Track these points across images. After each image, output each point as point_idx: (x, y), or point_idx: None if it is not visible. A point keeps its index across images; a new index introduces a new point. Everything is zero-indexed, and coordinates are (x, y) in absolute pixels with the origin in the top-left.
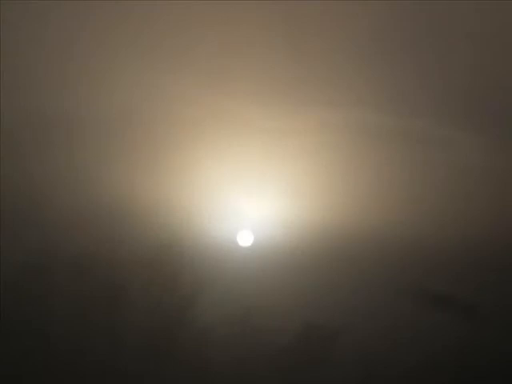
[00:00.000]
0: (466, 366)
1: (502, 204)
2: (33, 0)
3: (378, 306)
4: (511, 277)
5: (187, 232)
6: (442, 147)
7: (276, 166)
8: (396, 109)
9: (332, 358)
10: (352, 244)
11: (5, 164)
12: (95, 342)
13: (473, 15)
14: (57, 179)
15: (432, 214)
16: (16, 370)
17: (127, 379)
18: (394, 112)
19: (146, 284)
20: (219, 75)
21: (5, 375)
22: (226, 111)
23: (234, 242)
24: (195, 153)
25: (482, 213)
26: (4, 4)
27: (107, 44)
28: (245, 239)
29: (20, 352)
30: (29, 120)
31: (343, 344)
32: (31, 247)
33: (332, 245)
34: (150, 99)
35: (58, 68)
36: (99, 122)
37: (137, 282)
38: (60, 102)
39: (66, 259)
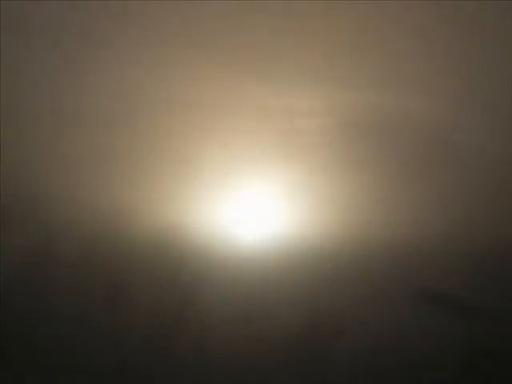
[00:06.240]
0: (466, 365)
1: (502, 204)
2: (33, 0)
3: (379, 306)
4: (511, 277)
5: (187, 232)
6: (442, 147)
7: (278, 166)
8: (397, 109)
9: (332, 357)
10: (352, 244)
11: (5, 164)
12: (95, 342)
13: (477, 16)
14: (57, 179)
15: (433, 214)
16: (16, 369)
17: (127, 379)
18: (394, 112)
19: (146, 283)
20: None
21: (5, 375)
22: (226, 111)
23: (235, 241)
24: (196, 153)
25: (482, 213)
26: (4, 4)
27: (111, 43)
28: (246, 238)
29: (20, 352)
30: (29, 120)
31: (343, 344)
32: (31, 247)
33: (332, 245)
34: (151, 97)
35: (59, 68)
36: (100, 122)
37: (137, 282)
38: (60, 102)
39: (66, 259)
